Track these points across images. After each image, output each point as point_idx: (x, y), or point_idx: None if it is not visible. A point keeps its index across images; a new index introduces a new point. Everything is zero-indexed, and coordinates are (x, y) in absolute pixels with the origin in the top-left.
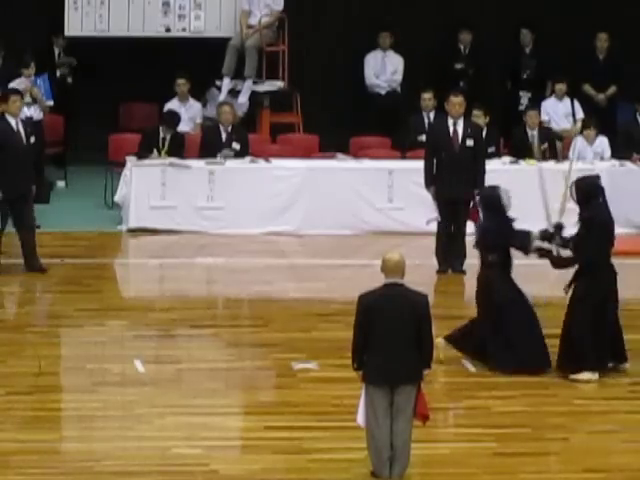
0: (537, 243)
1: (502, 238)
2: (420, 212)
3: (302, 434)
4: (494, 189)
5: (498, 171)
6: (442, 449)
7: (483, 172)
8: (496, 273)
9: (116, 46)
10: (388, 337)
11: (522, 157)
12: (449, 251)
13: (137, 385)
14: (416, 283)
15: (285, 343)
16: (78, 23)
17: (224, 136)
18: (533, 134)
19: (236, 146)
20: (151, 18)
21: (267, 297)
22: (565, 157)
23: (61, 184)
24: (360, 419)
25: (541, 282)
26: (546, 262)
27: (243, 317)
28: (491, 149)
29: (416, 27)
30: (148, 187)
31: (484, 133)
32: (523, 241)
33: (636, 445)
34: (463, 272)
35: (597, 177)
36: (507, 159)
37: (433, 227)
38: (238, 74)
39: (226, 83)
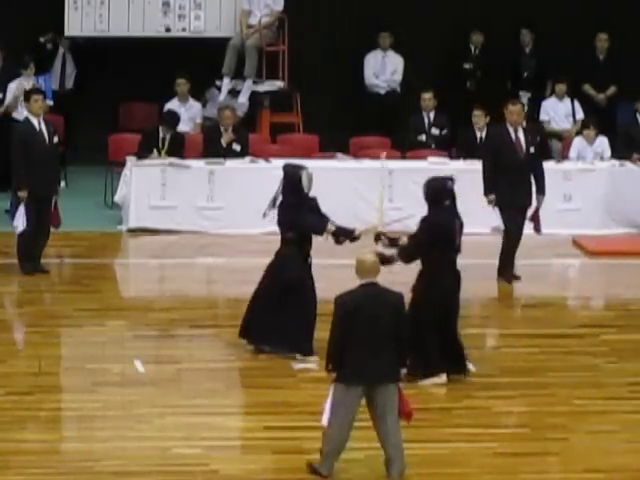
0: (332, 228)
1: (296, 216)
2: (420, 212)
3: (302, 434)
4: (298, 168)
5: None
6: (442, 449)
7: (544, 176)
8: (292, 251)
9: (116, 46)
10: (369, 337)
11: (471, 157)
12: (504, 257)
13: (137, 385)
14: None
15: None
16: (78, 23)
17: (224, 136)
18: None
19: (236, 147)
20: (151, 18)
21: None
22: (565, 157)
23: (61, 184)
24: (325, 420)
25: (541, 282)
26: (545, 263)
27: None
28: None
29: (416, 27)
30: (148, 187)
31: (483, 133)
32: (316, 223)
33: (636, 445)
34: (515, 278)
35: (448, 179)
36: None
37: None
38: (238, 74)
39: (226, 83)
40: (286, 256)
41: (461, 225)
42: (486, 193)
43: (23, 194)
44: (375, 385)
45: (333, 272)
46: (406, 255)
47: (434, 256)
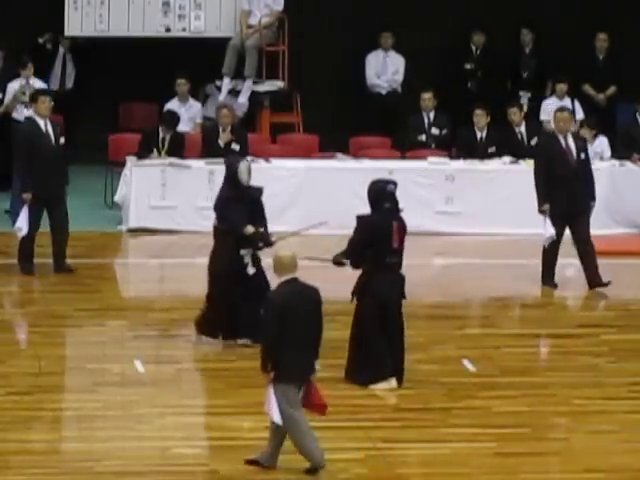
0: (249, 230)
1: (224, 210)
2: (420, 212)
3: None
4: (236, 160)
5: (498, 171)
6: (442, 449)
7: (594, 182)
8: (220, 243)
9: (116, 46)
10: (300, 333)
11: (471, 157)
12: (585, 267)
13: (137, 385)
14: (416, 283)
15: None
16: (78, 23)
17: (222, 136)
18: (521, 131)
19: (235, 147)
20: (151, 18)
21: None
22: None
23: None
24: (277, 418)
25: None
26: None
27: None
28: (491, 149)
29: (418, 28)
30: (148, 187)
31: (484, 133)
32: (236, 223)
33: (636, 445)
34: (605, 284)
35: (389, 183)
36: (507, 159)
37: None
38: (238, 74)
39: (226, 83)
40: (215, 249)
41: (402, 228)
42: (540, 203)
43: (27, 196)
44: (307, 379)
45: (333, 272)
46: (348, 256)
47: (369, 257)
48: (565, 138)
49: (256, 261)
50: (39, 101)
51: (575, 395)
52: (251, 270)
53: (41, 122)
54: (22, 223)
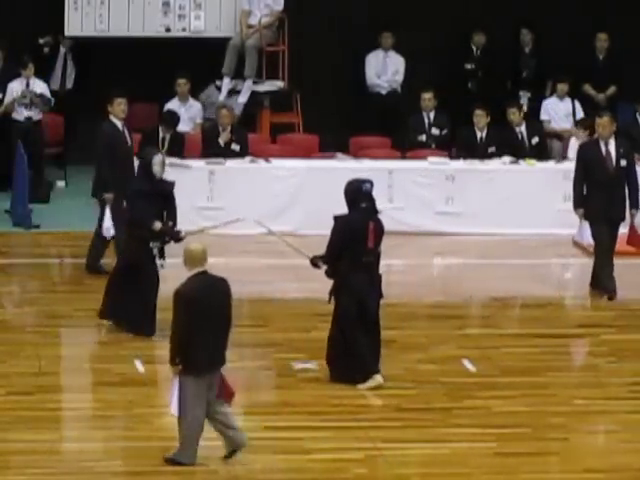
0: (157, 226)
1: (134, 203)
2: (420, 212)
3: (302, 434)
4: (151, 153)
5: (498, 171)
6: (442, 449)
7: (638, 190)
8: (131, 235)
9: (116, 46)
10: (210, 326)
11: (471, 157)
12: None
13: (137, 385)
14: (416, 283)
15: (285, 343)
16: (78, 23)
17: (222, 136)
18: (521, 131)
19: (235, 147)
20: (151, 18)
21: (267, 297)
22: (564, 157)
23: (61, 184)
24: (175, 410)
25: (541, 282)
26: (545, 263)
27: (243, 317)
28: (491, 149)
29: (418, 28)
30: None
31: (484, 133)
32: (145, 218)
33: (636, 445)
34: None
35: (365, 182)
36: (507, 159)
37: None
38: (238, 74)
39: (226, 83)
40: (126, 240)
41: (379, 228)
42: (575, 207)
43: (109, 197)
44: (216, 371)
45: None
46: (326, 260)
47: (345, 256)
48: (607, 144)
49: (163, 255)
50: (115, 103)
51: (575, 395)
52: (159, 262)
53: (118, 124)
54: (109, 224)
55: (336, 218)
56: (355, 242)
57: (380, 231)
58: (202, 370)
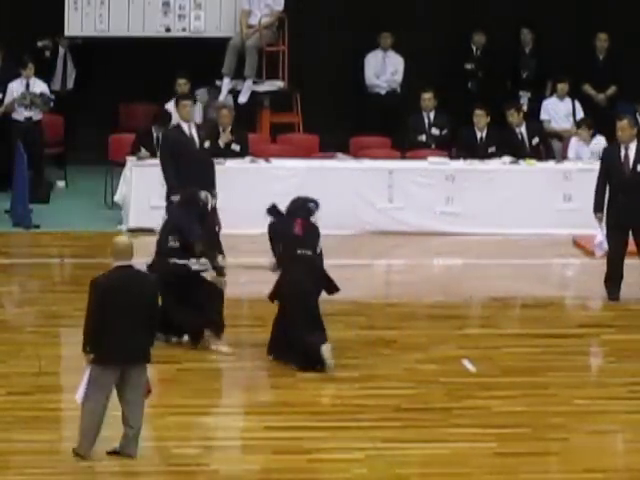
0: (199, 247)
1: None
2: (420, 212)
3: (302, 434)
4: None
5: (498, 171)
6: (442, 449)
7: None
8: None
9: (116, 46)
10: (122, 318)
11: (471, 157)
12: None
13: None
14: (416, 283)
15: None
16: (78, 23)
17: (222, 136)
18: (521, 131)
19: (235, 147)
20: (151, 18)
21: (266, 297)
22: (564, 157)
23: (61, 184)
24: (79, 397)
25: (541, 282)
26: (545, 263)
27: (243, 317)
28: (491, 149)
29: (417, 27)
30: (148, 187)
31: (484, 133)
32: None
33: (636, 445)
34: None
35: (309, 201)
36: (507, 159)
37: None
38: (238, 74)
39: (226, 83)
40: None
41: (306, 221)
42: (594, 211)
43: (176, 199)
44: (129, 366)
45: (333, 272)
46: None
47: (282, 254)
48: (627, 148)
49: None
50: (180, 105)
51: (575, 395)
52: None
53: (185, 126)
54: None
55: (271, 225)
56: (285, 237)
57: (307, 222)
58: (108, 361)
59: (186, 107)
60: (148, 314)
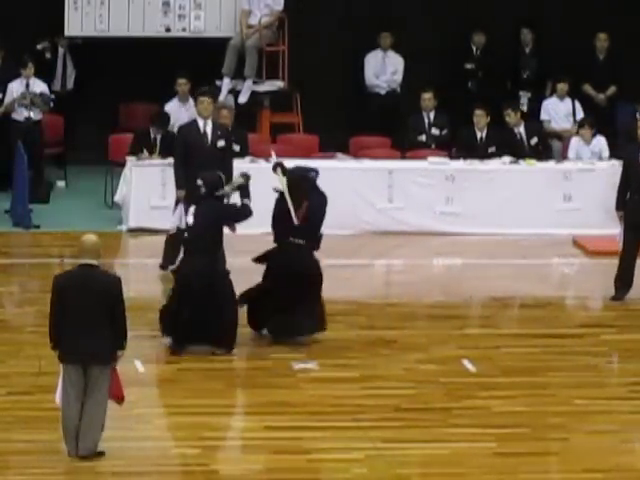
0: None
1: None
2: (420, 212)
3: (302, 434)
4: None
5: (498, 171)
6: (442, 449)
7: None
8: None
9: (116, 46)
10: (79, 317)
11: (471, 157)
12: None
13: (137, 385)
14: (416, 283)
15: (285, 343)
16: (78, 23)
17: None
18: (519, 131)
19: (235, 147)
20: (151, 18)
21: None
22: (564, 157)
23: (61, 184)
24: (57, 398)
25: (541, 282)
26: (545, 263)
27: (242, 317)
28: (491, 149)
29: (417, 27)
30: (148, 187)
31: (484, 133)
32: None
33: (636, 445)
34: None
35: (310, 170)
36: (507, 159)
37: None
38: (238, 74)
39: (226, 83)
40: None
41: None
42: (616, 208)
43: (180, 194)
44: (88, 366)
45: (333, 272)
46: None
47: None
48: None
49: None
50: (198, 101)
51: (575, 395)
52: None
53: (201, 122)
54: (176, 219)
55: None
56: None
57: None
58: (67, 360)
59: (203, 103)
60: (109, 314)
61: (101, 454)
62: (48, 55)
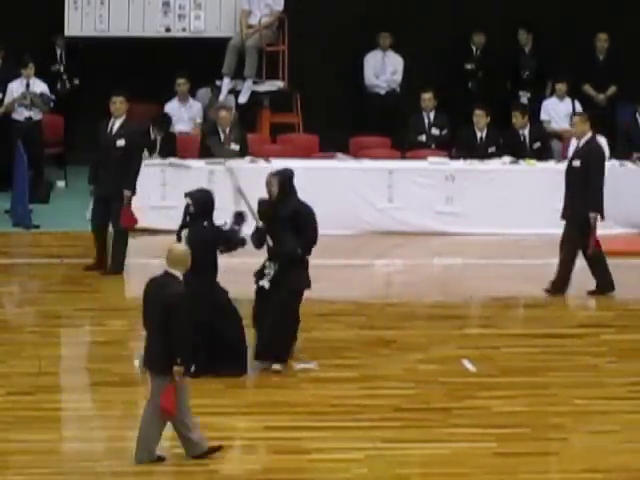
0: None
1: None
2: (420, 212)
3: (302, 434)
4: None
5: (498, 171)
6: (442, 449)
7: None
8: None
9: (116, 46)
10: (147, 324)
11: (471, 157)
12: None
13: (137, 385)
14: (416, 283)
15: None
16: (78, 23)
17: (222, 137)
18: (524, 133)
19: (235, 147)
20: (151, 18)
21: None
22: (564, 157)
23: (61, 184)
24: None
25: (541, 282)
26: (545, 263)
27: (243, 317)
28: (491, 149)
29: (417, 27)
30: (148, 187)
31: (484, 133)
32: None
33: (636, 445)
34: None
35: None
36: (507, 159)
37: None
38: (238, 74)
39: (226, 83)
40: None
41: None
42: None
43: (91, 188)
44: (149, 373)
45: (333, 272)
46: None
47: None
48: None
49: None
50: (110, 101)
51: (575, 395)
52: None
53: (112, 121)
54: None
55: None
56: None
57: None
58: (141, 361)
59: (115, 103)
60: (163, 326)
61: (161, 459)
62: (59, 50)
